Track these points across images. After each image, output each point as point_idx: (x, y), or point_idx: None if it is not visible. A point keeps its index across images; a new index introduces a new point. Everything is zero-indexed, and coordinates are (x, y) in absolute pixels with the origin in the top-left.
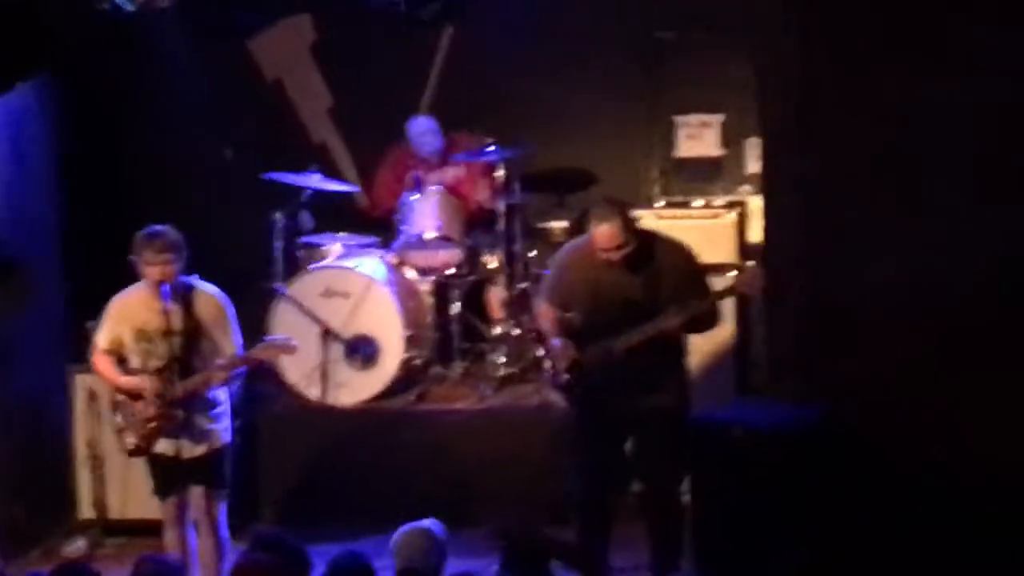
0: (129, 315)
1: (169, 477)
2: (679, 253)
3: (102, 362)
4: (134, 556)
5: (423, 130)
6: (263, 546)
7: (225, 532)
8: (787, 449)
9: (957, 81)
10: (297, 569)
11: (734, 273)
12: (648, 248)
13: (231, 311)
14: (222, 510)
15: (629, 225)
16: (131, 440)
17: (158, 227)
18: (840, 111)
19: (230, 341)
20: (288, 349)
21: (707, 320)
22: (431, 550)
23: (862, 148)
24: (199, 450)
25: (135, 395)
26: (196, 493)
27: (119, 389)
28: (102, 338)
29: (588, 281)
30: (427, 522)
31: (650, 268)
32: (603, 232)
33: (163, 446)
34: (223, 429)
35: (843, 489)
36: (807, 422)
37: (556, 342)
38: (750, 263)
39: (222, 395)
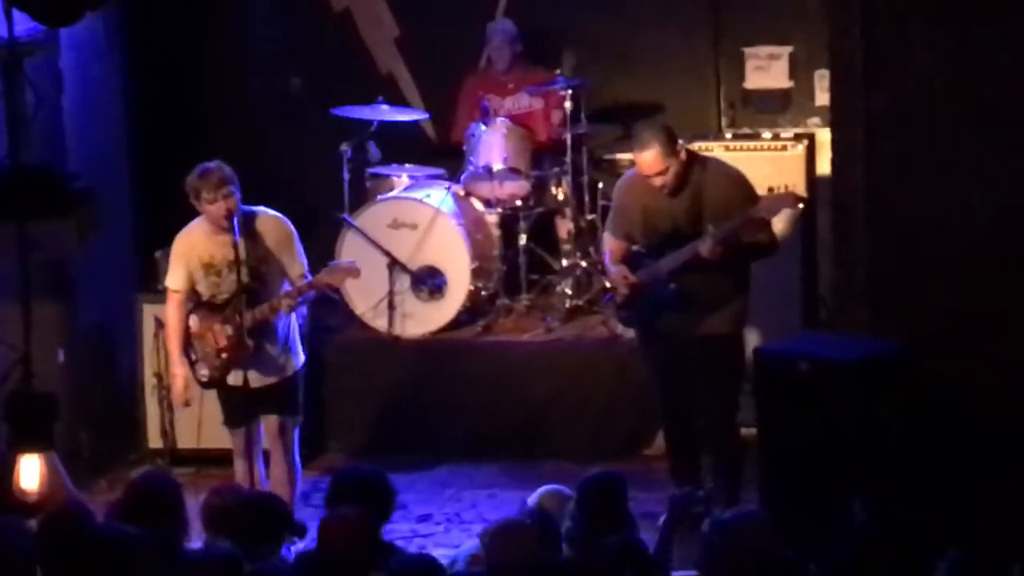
0: (195, 250)
1: (240, 407)
2: (724, 178)
3: (173, 316)
4: (201, 485)
5: (501, 26)
6: (346, 490)
7: (298, 459)
8: (856, 382)
9: None
10: (381, 507)
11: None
12: (697, 173)
13: (295, 233)
14: (295, 437)
15: (670, 149)
16: (204, 372)
17: (207, 164)
18: (909, 43)
19: (297, 263)
20: (353, 272)
21: (760, 248)
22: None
23: (931, 80)
24: (271, 379)
25: (204, 329)
26: (269, 421)
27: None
28: (173, 279)
29: (640, 207)
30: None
31: (696, 194)
32: (644, 159)
33: (235, 376)
34: (294, 355)
35: (914, 424)
36: (876, 354)
37: (613, 269)
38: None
39: (292, 322)
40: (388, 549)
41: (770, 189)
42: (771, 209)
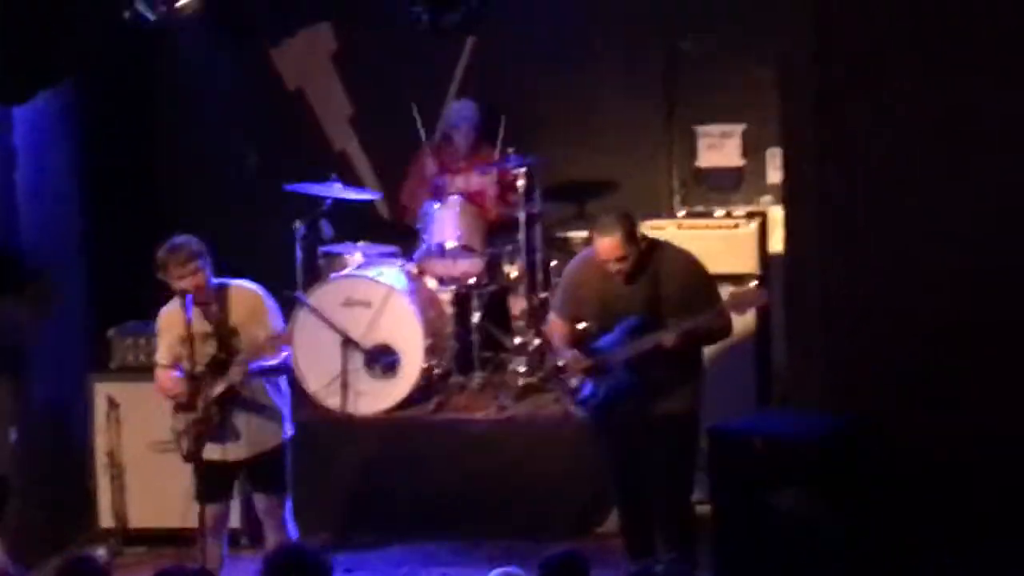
0: (173, 326)
1: (214, 482)
2: (683, 265)
3: (162, 376)
4: (154, 565)
5: (463, 108)
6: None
7: (292, 531)
8: (810, 459)
9: (982, 86)
10: None
11: (731, 290)
12: (653, 259)
13: (269, 300)
14: (287, 510)
15: (631, 237)
16: (184, 445)
17: (177, 239)
18: (861, 120)
19: (266, 330)
20: (283, 339)
21: (715, 334)
22: None
23: (883, 157)
24: (248, 452)
25: (187, 400)
26: (258, 498)
27: (166, 392)
28: (160, 355)
29: (595, 292)
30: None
31: (654, 280)
32: (605, 244)
33: (210, 450)
34: (276, 428)
35: (871, 498)
36: (830, 431)
37: (567, 353)
38: (749, 285)
39: (273, 393)
40: None
41: (729, 278)
42: (740, 307)
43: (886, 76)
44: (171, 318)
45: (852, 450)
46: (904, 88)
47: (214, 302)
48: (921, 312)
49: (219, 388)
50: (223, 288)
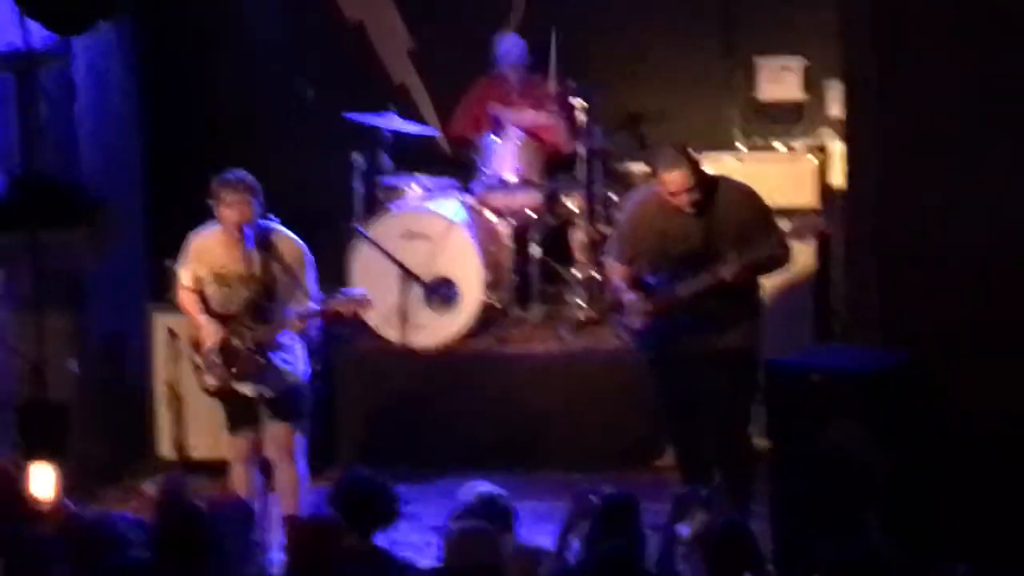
0: (207, 256)
1: (243, 414)
2: (742, 197)
3: (187, 298)
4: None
5: (512, 44)
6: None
7: (303, 466)
8: (866, 394)
9: None
10: (379, 512)
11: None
12: (712, 193)
13: (309, 257)
14: (300, 444)
15: (696, 165)
16: (212, 382)
17: (235, 171)
18: (923, 56)
19: (307, 287)
20: (365, 304)
21: (774, 262)
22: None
23: (945, 94)
24: (272, 391)
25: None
26: (275, 428)
27: (195, 326)
28: (184, 276)
29: (654, 231)
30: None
31: (713, 214)
32: (674, 177)
33: (241, 387)
34: (298, 365)
35: (925, 436)
36: (886, 366)
37: (629, 296)
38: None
39: (292, 338)
40: (382, 556)
41: (789, 211)
42: (802, 231)
43: (949, 10)
44: (205, 246)
45: (908, 386)
46: (969, 23)
47: (258, 244)
48: (978, 251)
49: (270, 334)
50: (267, 231)
